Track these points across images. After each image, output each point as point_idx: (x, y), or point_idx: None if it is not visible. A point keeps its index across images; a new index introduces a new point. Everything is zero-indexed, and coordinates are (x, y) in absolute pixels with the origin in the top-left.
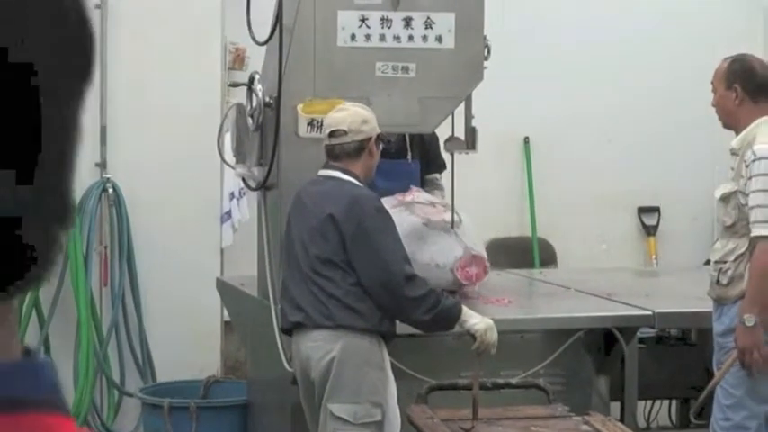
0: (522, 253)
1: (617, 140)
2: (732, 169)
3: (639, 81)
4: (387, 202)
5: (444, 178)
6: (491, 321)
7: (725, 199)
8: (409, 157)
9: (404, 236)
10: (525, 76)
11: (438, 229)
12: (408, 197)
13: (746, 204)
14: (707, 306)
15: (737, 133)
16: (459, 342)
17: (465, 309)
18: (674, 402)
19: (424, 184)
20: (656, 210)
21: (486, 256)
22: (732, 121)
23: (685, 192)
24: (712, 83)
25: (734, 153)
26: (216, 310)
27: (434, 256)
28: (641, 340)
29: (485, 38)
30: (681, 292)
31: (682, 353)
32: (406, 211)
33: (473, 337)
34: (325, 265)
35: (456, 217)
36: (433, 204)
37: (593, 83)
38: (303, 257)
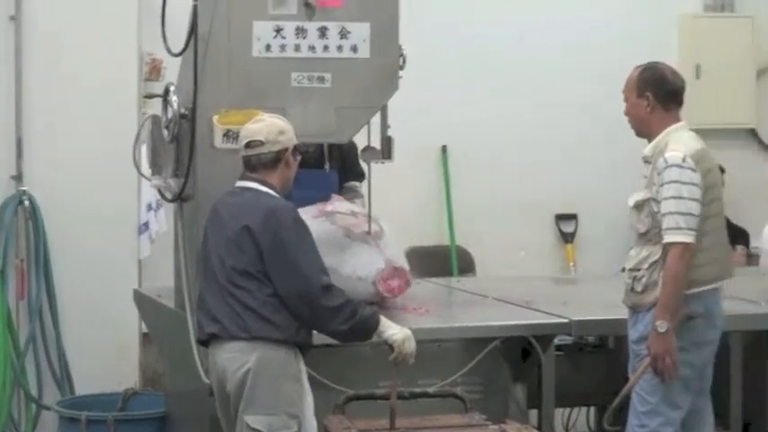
0: (440, 261)
1: (534, 148)
2: (645, 177)
3: (556, 89)
4: (307, 212)
5: (362, 186)
6: (409, 331)
7: (638, 206)
8: (327, 166)
9: (324, 246)
10: (442, 86)
11: (359, 240)
12: (329, 207)
13: (659, 212)
14: (624, 313)
15: (650, 141)
16: (376, 352)
17: (383, 319)
18: (592, 409)
19: (344, 193)
20: (573, 217)
21: (407, 269)
22: (644, 129)
23: (602, 199)
24: (624, 91)
25: (646, 161)
26: (134, 321)
27: (356, 269)
28: (559, 348)
29: (400, 47)
30: (598, 300)
31: (599, 360)
32: (327, 221)
33: (391, 347)
34: (241, 276)
35: (377, 227)
36: (354, 214)
37: (511, 92)
38: (219, 269)
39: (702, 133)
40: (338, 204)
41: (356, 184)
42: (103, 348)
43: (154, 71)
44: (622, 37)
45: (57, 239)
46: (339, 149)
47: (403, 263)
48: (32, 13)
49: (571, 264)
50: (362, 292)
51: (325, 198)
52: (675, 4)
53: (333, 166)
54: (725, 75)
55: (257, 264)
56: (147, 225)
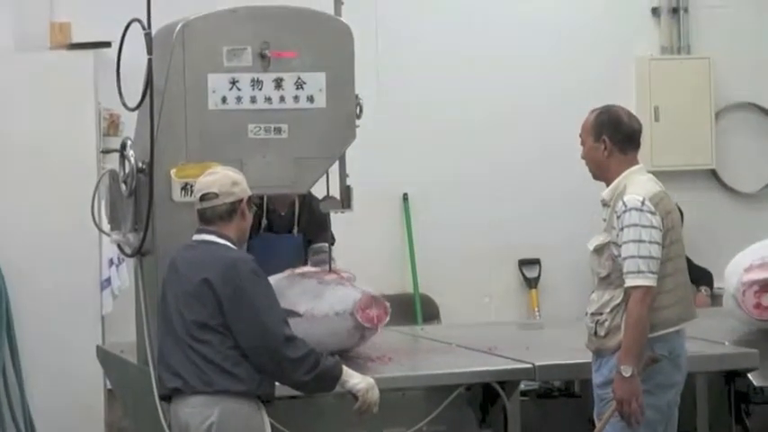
0: (404, 309)
1: (495, 195)
2: (604, 220)
3: (515, 135)
4: (279, 275)
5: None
6: (372, 380)
7: (598, 250)
8: (295, 231)
9: (298, 297)
10: (402, 134)
11: (333, 283)
12: (299, 270)
13: (620, 255)
14: (588, 357)
15: (608, 184)
16: (340, 402)
17: (345, 368)
18: None
19: (311, 253)
20: (536, 262)
21: (384, 299)
22: (602, 173)
23: (564, 243)
24: (581, 135)
25: (605, 204)
26: (98, 378)
27: (333, 305)
28: (525, 393)
29: (357, 96)
30: (562, 344)
31: (565, 405)
32: (299, 277)
33: (354, 396)
34: (202, 329)
35: (349, 274)
36: (324, 271)
37: (471, 138)
38: (179, 323)
39: (662, 175)
40: (308, 268)
41: (324, 245)
42: (69, 405)
43: (112, 126)
44: (579, 80)
45: (18, 295)
46: (310, 215)
47: (379, 295)
48: None
49: (536, 309)
50: (341, 328)
51: (293, 264)
52: (632, 46)
53: (301, 231)
54: (683, 116)
55: (218, 317)
56: (108, 281)
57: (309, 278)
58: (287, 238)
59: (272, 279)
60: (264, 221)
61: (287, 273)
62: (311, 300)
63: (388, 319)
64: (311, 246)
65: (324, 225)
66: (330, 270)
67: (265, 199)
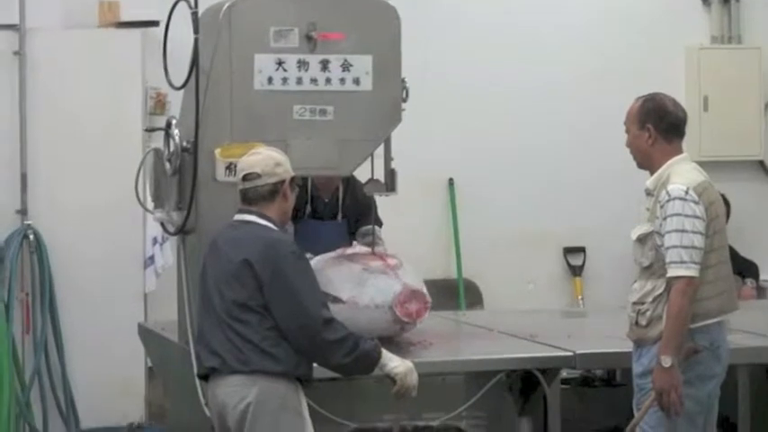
0: (447, 295)
1: (542, 181)
2: (647, 209)
3: (564, 122)
4: (326, 255)
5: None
6: (411, 364)
7: (641, 240)
8: (339, 216)
9: (343, 283)
10: (450, 118)
11: (377, 272)
12: (349, 250)
13: (662, 245)
14: (630, 347)
15: (652, 173)
16: (380, 385)
17: (384, 352)
18: None
19: (359, 236)
20: (581, 250)
21: (426, 293)
22: (646, 161)
23: (610, 232)
24: (625, 123)
25: (649, 193)
26: (140, 356)
27: (374, 297)
28: (567, 381)
29: (403, 80)
30: (605, 333)
31: (606, 394)
32: (346, 260)
33: (393, 380)
34: (241, 309)
35: (396, 260)
36: (373, 254)
37: (518, 124)
38: (219, 302)
39: (710, 165)
40: (358, 248)
41: (371, 227)
42: (109, 382)
43: (158, 105)
44: (630, 69)
45: (62, 273)
46: (354, 201)
47: (421, 287)
48: (37, 48)
49: (579, 297)
50: (380, 321)
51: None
52: (682, 35)
53: (344, 217)
54: (732, 106)
55: (257, 297)
56: (152, 259)
57: (356, 263)
58: (331, 225)
59: (321, 258)
60: (308, 208)
61: (337, 252)
62: (355, 287)
63: (427, 314)
64: (359, 229)
65: (369, 209)
66: (375, 253)
67: (309, 185)
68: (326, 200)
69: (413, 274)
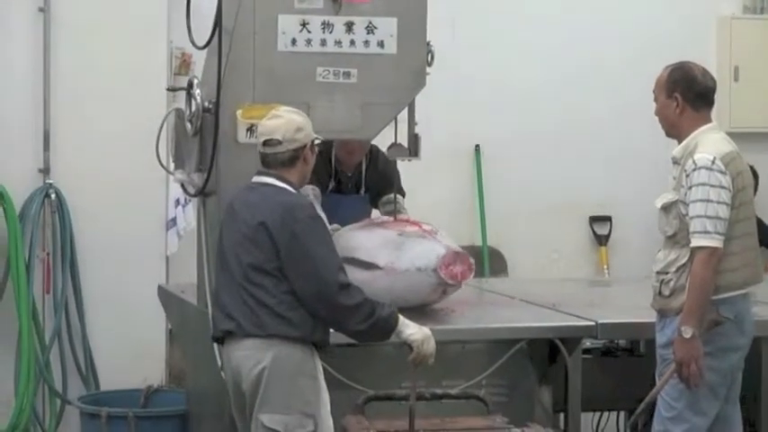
0: None
1: (569, 149)
2: (674, 178)
3: (592, 90)
4: (355, 225)
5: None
6: (428, 331)
7: (666, 208)
8: (362, 191)
9: (378, 248)
10: (476, 85)
11: (414, 236)
12: (378, 219)
13: (687, 214)
14: (653, 317)
15: (680, 142)
16: (399, 351)
17: (402, 318)
18: (621, 414)
19: (382, 205)
20: (607, 219)
21: (468, 254)
22: (674, 130)
23: (637, 201)
24: (654, 91)
25: (675, 162)
26: (160, 318)
27: (414, 261)
28: (588, 351)
29: (428, 43)
30: (628, 303)
31: (629, 364)
32: (378, 227)
33: (410, 347)
34: (257, 273)
35: (430, 226)
36: (405, 222)
37: (544, 93)
38: (235, 265)
39: (740, 136)
40: (385, 218)
41: (394, 196)
42: (129, 344)
43: (183, 65)
44: (660, 39)
45: (83, 233)
46: (375, 172)
47: (463, 251)
48: (62, 6)
49: (605, 266)
50: (422, 284)
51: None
52: (714, 5)
53: (368, 191)
54: (763, 77)
55: (274, 260)
56: (174, 221)
57: (389, 229)
58: (353, 198)
59: (349, 228)
60: (332, 183)
61: (365, 222)
62: (392, 252)
63: (472, 275)
64: (381, 198)
65: (392, 180)
66: (403, 220)
67: (333, 160)
68: (350, 174)
69: (449, 238)
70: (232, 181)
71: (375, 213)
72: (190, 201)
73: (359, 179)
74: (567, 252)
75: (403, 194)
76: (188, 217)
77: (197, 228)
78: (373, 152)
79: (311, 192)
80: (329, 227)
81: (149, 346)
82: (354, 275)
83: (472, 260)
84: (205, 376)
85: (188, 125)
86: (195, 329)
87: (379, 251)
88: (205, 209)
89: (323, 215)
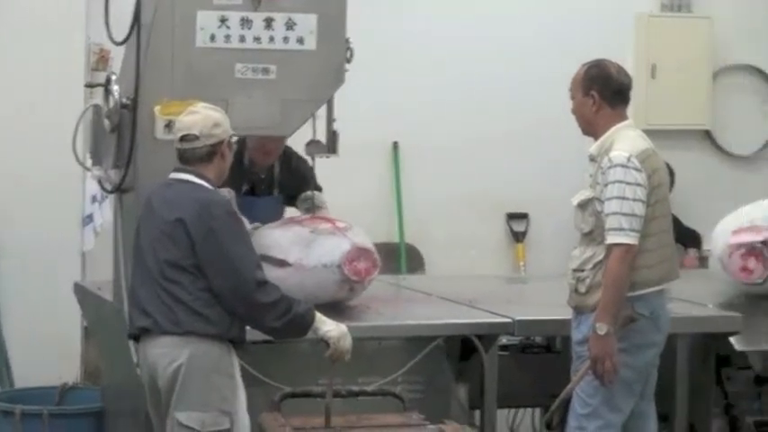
0: (389, 259)
1: (486, 147)
2: (590, 176)
3: (509, 87)
4: (273, 224)
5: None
6: (345, 328)
7: (582, 206)
8: (275, 191)
9: (290, 245)
10: (395, 81)
11: (326, 233)
12: (296, 218)
13: (603, 211)
14: (569, 314)
15: (596, 139)
16: (315, 348)
17: (319, 315)
18: (537, 411)
19: (299, 203)
20: (524, 216)
21: (375, 251)
22: (590, 128)
23: (553, 198)
24: (570, 89)
25: (592, 159)
26: (76, 315)
27: (321, 258)
28: (505, 347)
29: (347, 40)
30: (545, 300)
31: (545, 361)
32: (294, 224)
33: (327, 344)
34: (174, 269)
35: (345, 223)
36: (320, 219)
37: (463, 89)
38: (152, 262)
39: (656, 134)
40: (303, 216)
41: (310, 193)
42: (45, 341)
43: (101, 61)
44: (578, 36)
45: None
46: (288, 172)
47: (370, 246)
48: None
49: (521, 263)
50: (328, 281)
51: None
52: (632, 3)
53: (281, 191)
54: (681, 75)
55: (190, 257)
56: (91, 217)
57: (304, 226)
58: (266, 200)
59: (268, 226)
60: (245, 185)
61: (283, 220)
62: (302, 249)
63: (377, 272)
64: (299, 196)
65: (306, 179)
66: (323, 217)
67: (246, 161)
68: (262, 176)
69: (362, 235)
70: (149, 177)
71: (288, 214)
72: (106, 197)
73: (272, 180)
74: (483, 249)
75: (320, 190)
76: (105, 214)
77: (114, 224)
78: (286, 152)
79: (227, 194)
80: (250, 225)
81: (65, 343)
82: (268, 273)
83: (377, 257)
84: (121, 374)
85: (106, 121)
86: (111, 326)
87: (291, 248)
88: (122, 205)
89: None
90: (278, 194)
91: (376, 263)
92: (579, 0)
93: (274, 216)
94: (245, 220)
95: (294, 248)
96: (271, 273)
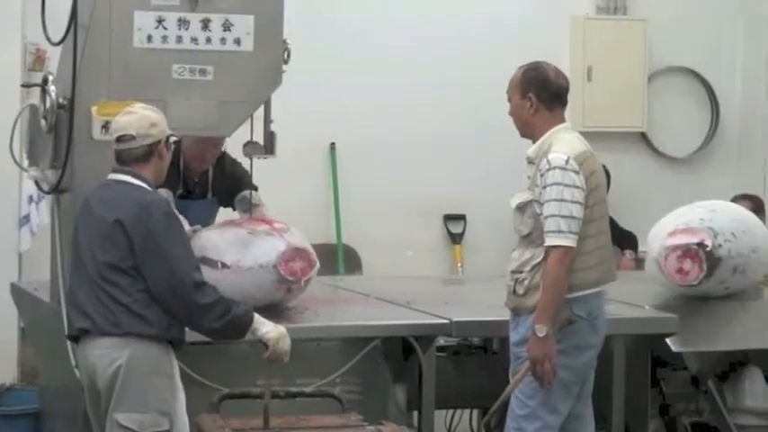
0: (326, 260)
1: (423, 148)
2: (528, 178)
3: (445, 89)
4: (212, 226)
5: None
6: (283, 329)
7: (521, 208)
8: (209, 195)
9: (228, 246)
10: (332, 83)
11: (263, 234)
12: (235, 219)
13: (541, 214)
14: (506, 315)
15: (534, 141)
16: (254, 350)
17: (257, 317)
18: (475, 412)
19: (237, 203)
20: (461, 218)
21: (312, 251)
22: (528, 130)
23: (491, 200)
24: (508, 92)
25: (530, 162)
26: (13, 316)
27: (257, 258)
28: (443, 349)
29: (285, 41)
30: (482, 301)
31: (483, 362)
32: (232, 226)
33: (265, 345)
34: (112, 271)
35: (283, 225)
36: (261, 219)
37: (401, 91)
38: (91, 263)
39: (593, 136)
40: (241, 219)
41: (247, 193)
42: None
43: (38, 61)
44: (514, 37)
45: None
46: (224, 177)
47: (306, 246)
48: None
49: (459, 264)
50: (265, 282)
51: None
52: (568, 5)
53: (215, 195)
54: (617, 78)
55: (129, 258)
56: (27, 218)
57: (242, 227)
58: (201, 203)
59: (207, 229)
60: (180, 188)
61: (223, 222)
62: (239, 251)
63: (313, 272)
64: (236, 196)
65: (241, 181)
66: (262, 219)
67: (181, 165)
68: (197, 179)
69: (299, 236)
70: (86, 178)
71: (226, 216)
72: (43, 197)
73: (206, 184)
74: (421, 250)
75: (255, 190)
76: (41, 214)
77: (51, 225)
78: (221, 159)
79: (165, 194)
80: (190, 228)
81: (1, 344)
82: (207, 274)
83: (314, 257)
84: (59, 375)
85: (42, 122)
86: (49, 327)
87: (228, 249)
88: (59, 206)
89: (179, 216)
90: (212, 198)
91: (312, 263)
92: (515, 3)
93: (208, 219)
94: (185, 222)
95: (232, 250)
96: (209, 274)
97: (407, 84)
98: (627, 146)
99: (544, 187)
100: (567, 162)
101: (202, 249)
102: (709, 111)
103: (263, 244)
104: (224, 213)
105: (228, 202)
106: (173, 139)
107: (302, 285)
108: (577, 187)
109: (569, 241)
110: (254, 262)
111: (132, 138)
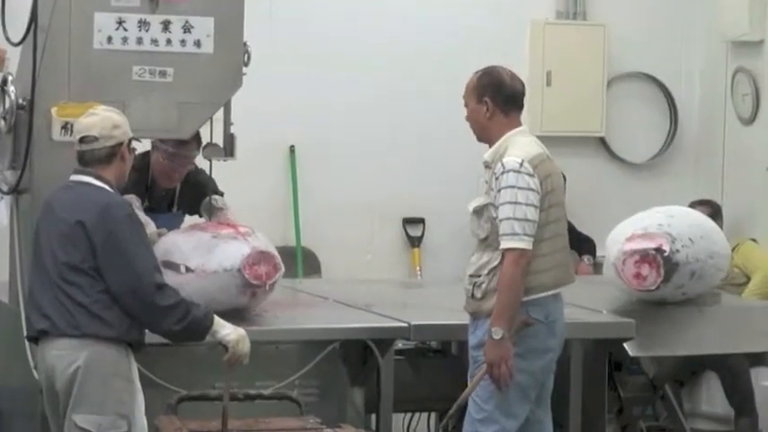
0: (285, 263)
1: (382, 151)
2: (485, 182)
3: (405, 93)
4: (177, 231)
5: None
6: (243, 332)
7: (478, 212)
8: (175, 208)
9: (192, 250)
10: (292, 85)
11: (227, 238)
12: (201, 224)
13: (497, 217)
14: (464, 319)
15: (491, 146)
16: (212, 352)
17: (217, 319)
18: (433, 415)
19: (203, 209)
20: (420, 221)
21: (277, 255)
22: (485, 134)
23: (449, 204)
24: (464, 97)
25: (487, 166)
26: None
27: (222, 262)
28: (401, 352)
29: (245, 44)
30: (441, 305)
31: (441, 365)
32: (197, 230)
33: (225, 347)
34: (73, 272)
35: (248, 229)
36: (221, 225)
37: (360, 94)
38: (51, 264)
39: (551, 140)
40: (206, 223)
41: (213, 198)
42: None
43: None
44: (473, 43)
45: None
46: (189, 188)
47: (271, 250)
48: None
49: (418, 268)
50: (230, 285)
51: None
52: (527, 9)
53: (180, 208)
54: (576, 82)
55: (90, 260)
56: None
57: (206, 231)
58: (167, 216)
59: (173, 233)
60: (146, 201)
61: (188, 226)
62: (203, 255)
63: (278, 276)
64: (203, 202)
65: (207, 188)
66: (223, 223)
67: (149, 177)
68: (163, 193)
69: (264, 240)
70: (46, 179)
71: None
72: (2, 198)
73: (172, 197)
74: (380, 253)
75: (221, 194)
76: (0, 215)
77: (10, 226)
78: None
79: (135, 201)
80: (157, 230)
81: None
82: (171, 279)
83: (279, 261)
84: (17, 376)
85: (1, 122)
86: (7, 328)
87: (192, 253)
88: (19, 207)
89: (145, 218)
90: (177, 211)
91: (277, 267)
92: (474, 6)
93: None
94: (152, 224)
95: (196, 254)
96: (174, 278)
97: (367, 87)
98: (585, 151)
99: (499, 190)
100: (521, 165)
101: (167, 253)
102: (668, 116)
103: (228, 248)
104: (190, 219)
105: (195, 210)
106: (142, 149)
107: (267, 289)
108: (532, 190)
109: (524, 244)
110: (219, 266)
111: (95, 139)
